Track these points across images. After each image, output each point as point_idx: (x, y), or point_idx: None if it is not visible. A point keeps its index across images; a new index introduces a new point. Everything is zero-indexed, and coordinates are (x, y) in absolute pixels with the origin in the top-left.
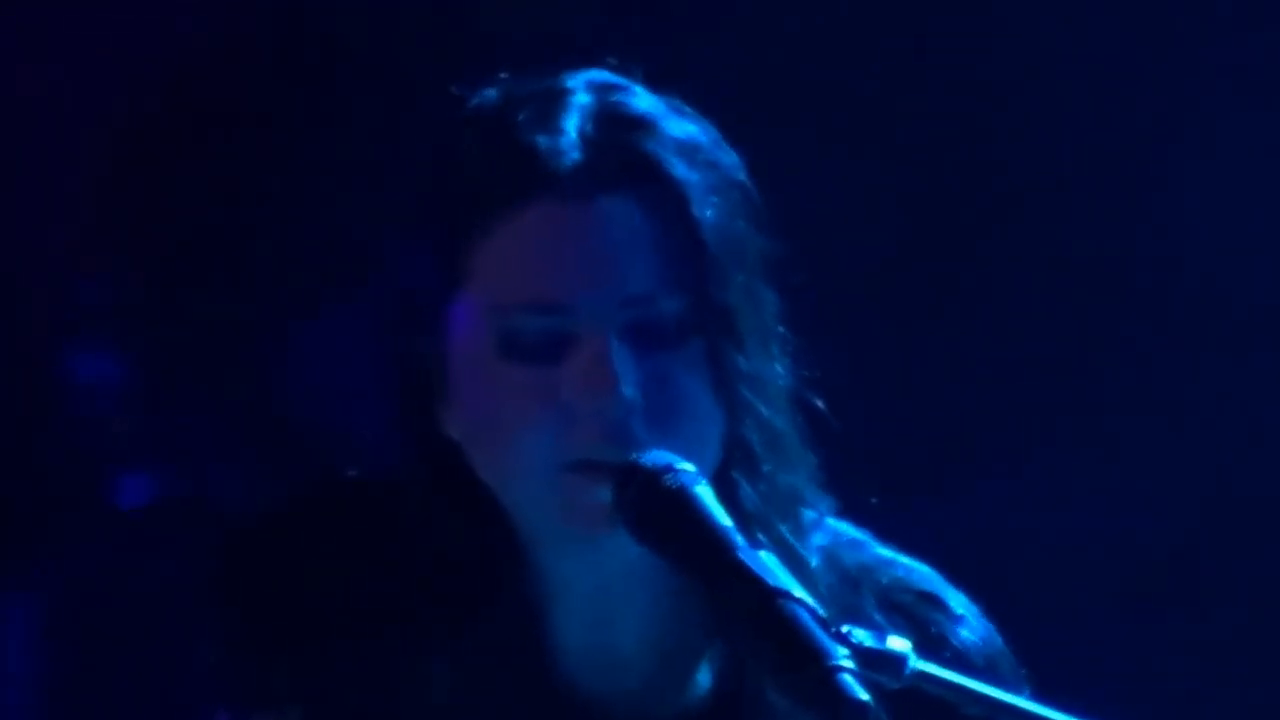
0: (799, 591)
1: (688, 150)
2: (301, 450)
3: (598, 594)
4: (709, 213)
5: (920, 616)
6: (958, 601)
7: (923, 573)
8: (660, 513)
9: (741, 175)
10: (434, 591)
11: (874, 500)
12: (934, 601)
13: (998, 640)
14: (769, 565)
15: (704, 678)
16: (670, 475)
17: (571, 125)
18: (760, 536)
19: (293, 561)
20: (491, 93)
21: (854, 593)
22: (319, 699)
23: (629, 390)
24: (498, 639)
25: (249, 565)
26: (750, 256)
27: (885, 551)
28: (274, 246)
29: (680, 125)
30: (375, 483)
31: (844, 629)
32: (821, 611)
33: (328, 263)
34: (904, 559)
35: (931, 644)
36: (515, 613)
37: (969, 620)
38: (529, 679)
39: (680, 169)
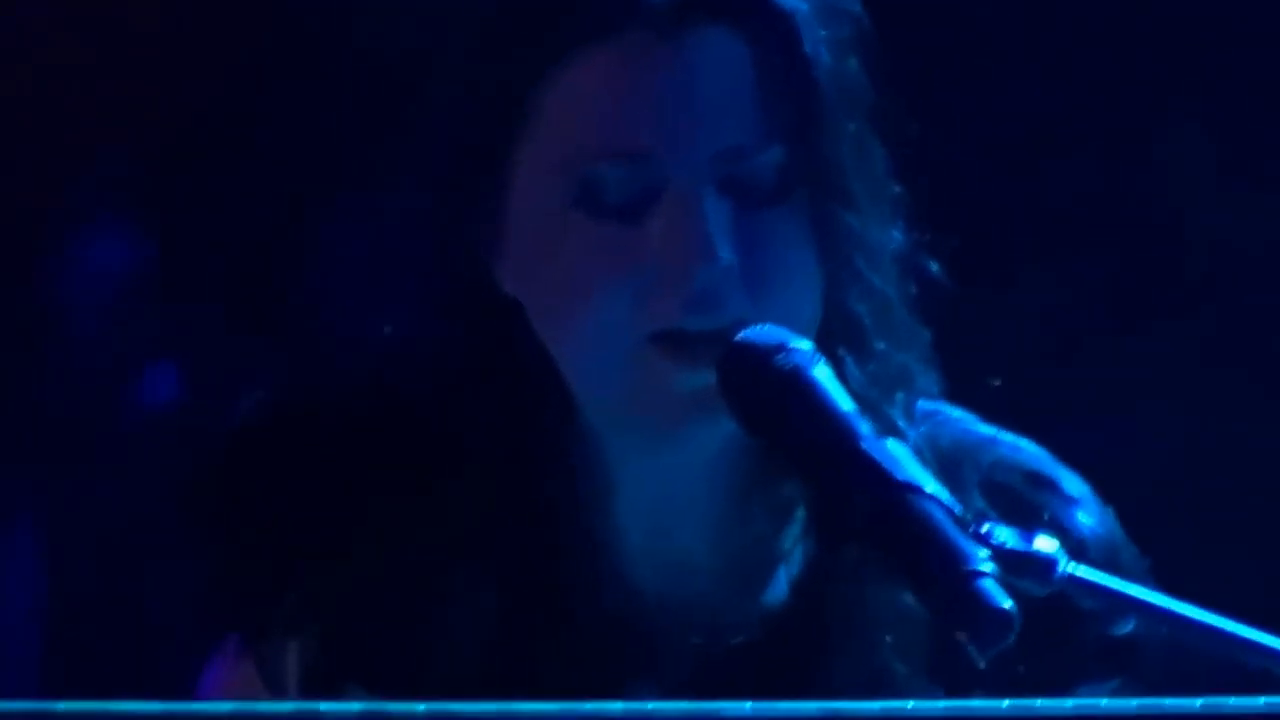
0: (933, 486)
1: None
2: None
3: (666, 490)
4: (820, 49)
5: (1030, 500)
6: (1072, 483)
7: (1031, 451)
8: (773, 398)
9: (856, 3)
10: (475, 484)
11: (995, 382)
12: (1044, 483)
13: (1118, 528)
14: (899, 457)
15: (780, 584)
16: (783, 355)
17: None
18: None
19: (303, 459)
20: None
21: (954, 475)
22: (342, 618)
23: (725, 252)
24: (550, 539)
25: (252, 466)
26: (863, 102)
27: (988, 429)
28: (303, 91)
29: None
30: (407, 359)
31: (984, 528)
32: (958, 509)
33: (363, 110)
34: (1009, 436)
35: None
36: (570, 508)
37: (1085, 504)
38: (587, 583)
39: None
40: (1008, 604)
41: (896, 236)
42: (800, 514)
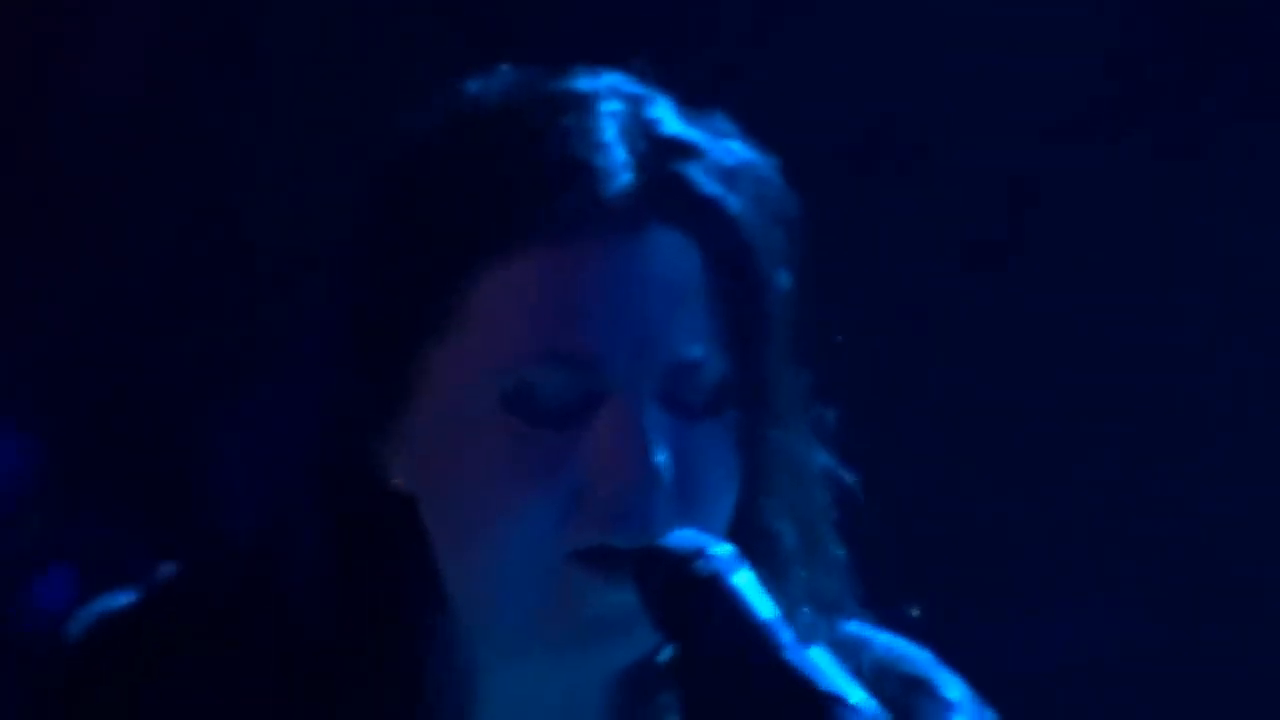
0: (858, 697)
1: (744, 182)
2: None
3: (551, 710)
4: (766, 261)
5: (907, 704)
6: (951, 687)
7: (914, 655)
8: (694, 605)
9: (793, 212)
10: (323, 688)
11: (914, 613)
12: (923, 687)
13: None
14: (823, 666)
15: None
16: (703, 560)
17: (613, 139)
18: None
19: (130, 672)
20: (492, 89)
21: None
22: None
23: (663, 469)
24: None
25: (75, 677)
26: (792, 318)
27: (875, 632)
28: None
29: (733, 150)
30: (278, 566)
31: None
32: (884, 718)
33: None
34: (896, 640)
35: None
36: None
37: (962, 709)
38: None
39: (739, 206)
40: None
41: (819, 457)
42: None
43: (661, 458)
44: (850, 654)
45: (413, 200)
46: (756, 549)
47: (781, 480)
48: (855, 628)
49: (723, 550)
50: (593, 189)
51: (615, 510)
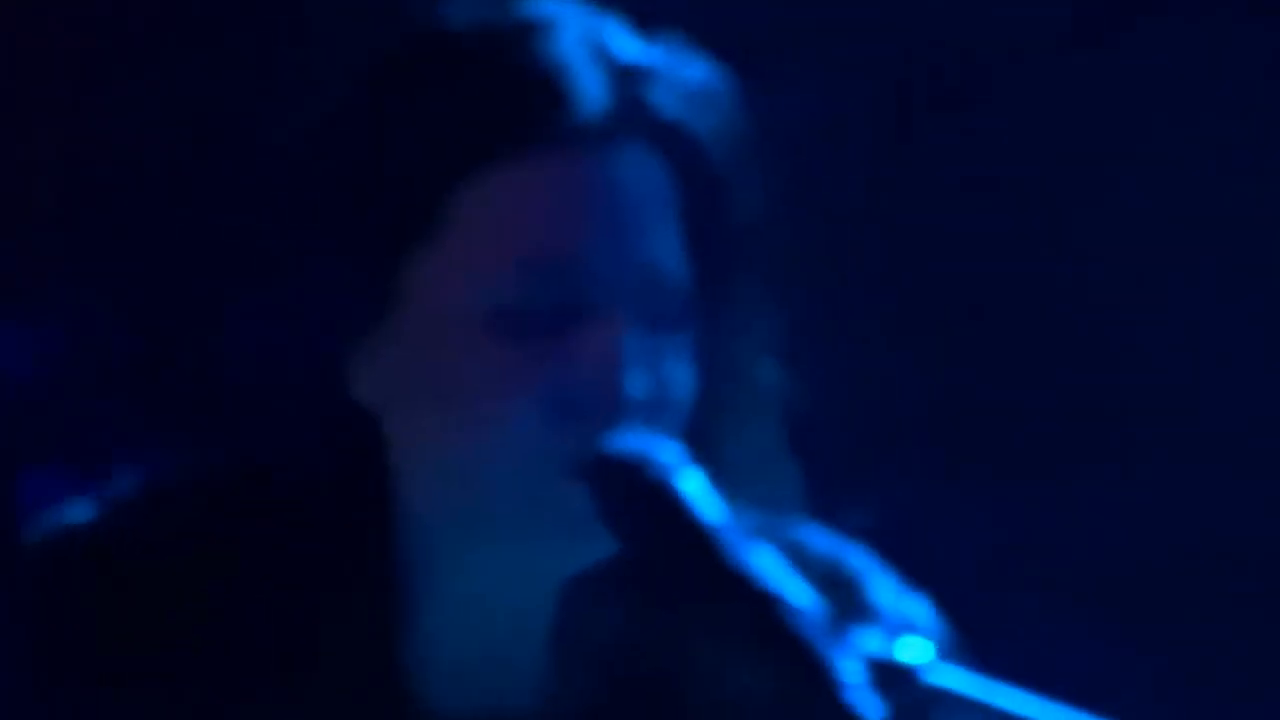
0: (803, 596)
1: (705, 101)
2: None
3: (501, 617)
4: (732, 178)
5: (845, 601)
6: (885, 586)
7: (852, 553)
8: (641, 508)
9: (750, 130)
10: (284, 600)
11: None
12: (858, 584)
13: (909, 598)
14: (769, 567)
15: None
16: (653, 466)
17: (584, 61)
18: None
19: (100, 577)
20: (462, 11)
21: None
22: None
23: (641, 377)
24: (353, 653)
25: (49, 580)
26: (754, 231)
27: (818, 533)
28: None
29: (693, 70)
30: (237, 471)
31: (854, 636)
32: (828, 617)
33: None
34: (836, 539)
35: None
36: (375, 626)
37: (874, 573)
38: (381, 701)
39: (701, 125)
40: (877, 713)
41: (774, 370)
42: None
43: (637, 371)
44: (794, 555)
45: (395, 114)
46: (709, 455)
47: (737, 390)
48: (800, 531)
49: (673, 455)
50: (567, 108)
51: (591, 420)
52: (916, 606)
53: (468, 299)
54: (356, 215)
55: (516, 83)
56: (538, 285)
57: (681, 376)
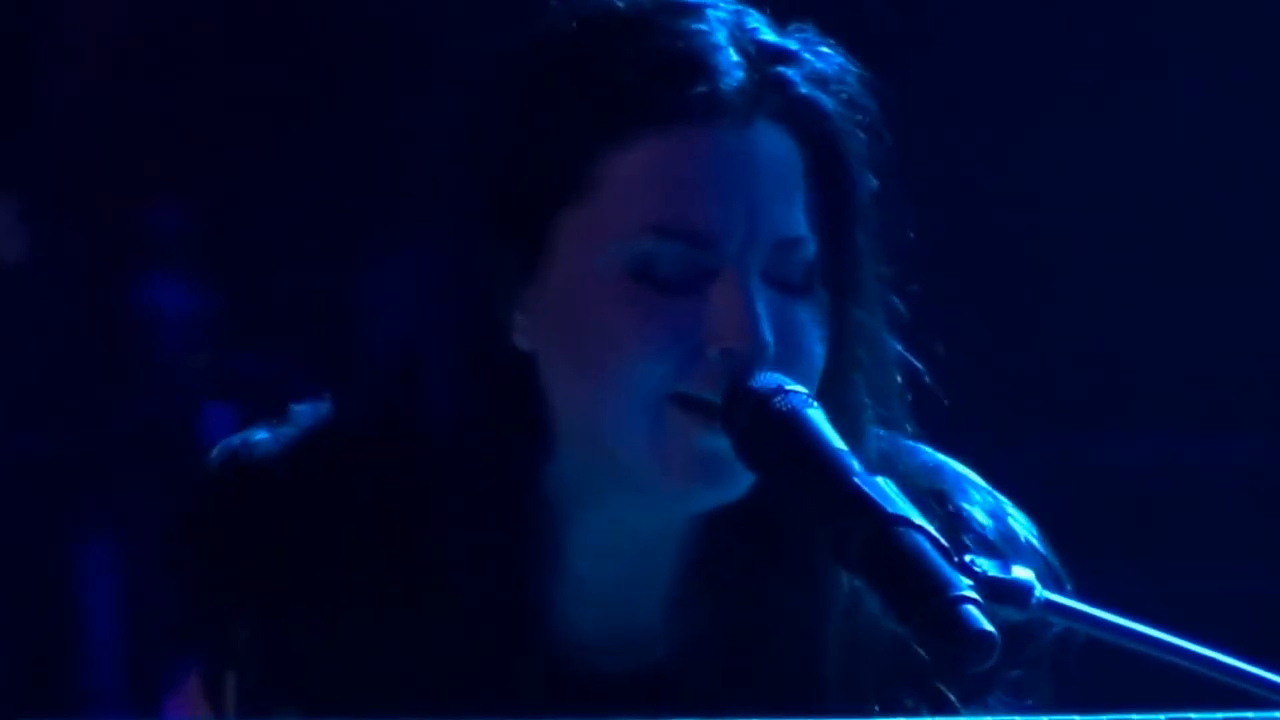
0: (919, 519)
1: (836, 84)
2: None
3: (635, 552)
4: (857, 158)
5: (928, 502)
6: (979, 496)
7: (946, 468)
8: (772, 436)
9: (876, 114)
10: (432, 526)
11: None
12: (945, 498)
13: (1022, 535)
14: (887, 492)
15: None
16: (781, 397)
17: (725, 42)
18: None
19: (273, 507)
20: None
21: None
22: (285, 662)
23: (768, 338)
24: (500, 585)
25: (222, 507)
26: (877, 207)
27: (913, 444)
28: (354, 153)
29: (825, 55)
30: (403, 412)
31: (967, 558)
32: (943, 540)
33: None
34: (930, 452)
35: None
36: (525, 557)
37: (984, 499)
38: (528, 628)
39: (832, 106)
40: (989, 627)
41: (893, 340)
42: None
43: (768, 328)
44: (887, 460)
45: (551, 85)
46: (835, 412)
47: (861, 355)
48: (906, 452)
49: (797, 388)
50: (709, 83)
51: (721, 371)
52: (1021, 526)
53: (611, 256)
54: (515, 178)
55: (665, 60)
56: (674, 248)
57: (814, 337)
